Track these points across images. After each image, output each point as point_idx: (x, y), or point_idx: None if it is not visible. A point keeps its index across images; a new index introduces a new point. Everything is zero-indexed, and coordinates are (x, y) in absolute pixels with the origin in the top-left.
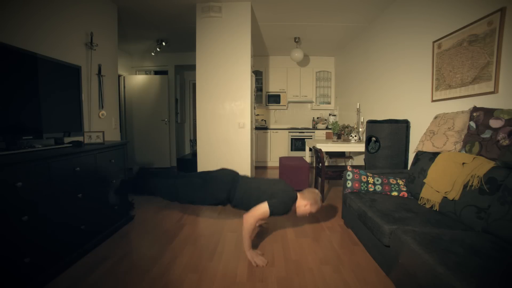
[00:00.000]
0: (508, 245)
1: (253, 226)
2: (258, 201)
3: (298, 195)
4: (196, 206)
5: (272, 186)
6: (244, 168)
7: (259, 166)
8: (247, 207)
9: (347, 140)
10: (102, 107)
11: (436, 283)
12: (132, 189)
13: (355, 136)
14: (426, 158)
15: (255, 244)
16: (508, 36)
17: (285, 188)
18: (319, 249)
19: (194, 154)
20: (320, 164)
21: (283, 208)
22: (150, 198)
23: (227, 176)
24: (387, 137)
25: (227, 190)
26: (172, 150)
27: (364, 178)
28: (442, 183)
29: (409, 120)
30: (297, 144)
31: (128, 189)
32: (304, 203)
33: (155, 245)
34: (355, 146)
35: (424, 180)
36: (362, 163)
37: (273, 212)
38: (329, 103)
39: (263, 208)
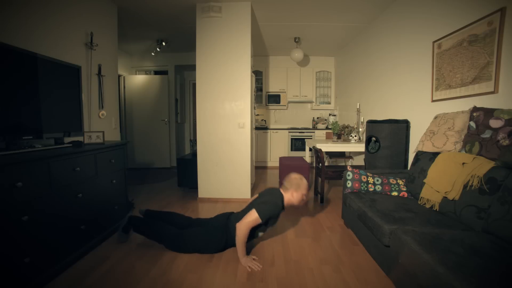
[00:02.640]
0: (508, 245)
1: (246, 234)
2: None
3: (282, 191)
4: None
5: (257, 199)
6: (244, 168)
7: (259, 166)
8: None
9: (347, 140)
10: (102, 107)
11: (436, 283)
12: (138, 230)
13: (355, 136)
14: (426, 158)
15: (254, 244)
16: (508, 36)
17: (269, 191)
18: (319, 249)
19: (194, 154)
20: (320, 164)
21: (273, 209)
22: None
23: (220, 220)
24: (387, 137)
25: (224, 232)
26: (172, 150)
27: (364, 178)
28: (442, 183)
29: (409, 120)
30: (297, 144)
31: (135, 228)
32: (290, 194)
33: (155, 245)
34: (355, 146)
35: (424, 180)
36: (362, 163)
37: (261, 214)
38: (329, 103)
39: (252, 215)
